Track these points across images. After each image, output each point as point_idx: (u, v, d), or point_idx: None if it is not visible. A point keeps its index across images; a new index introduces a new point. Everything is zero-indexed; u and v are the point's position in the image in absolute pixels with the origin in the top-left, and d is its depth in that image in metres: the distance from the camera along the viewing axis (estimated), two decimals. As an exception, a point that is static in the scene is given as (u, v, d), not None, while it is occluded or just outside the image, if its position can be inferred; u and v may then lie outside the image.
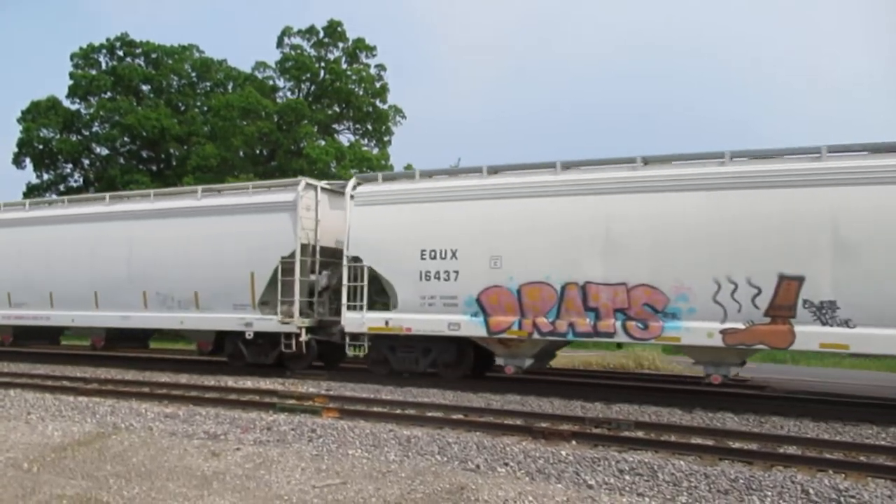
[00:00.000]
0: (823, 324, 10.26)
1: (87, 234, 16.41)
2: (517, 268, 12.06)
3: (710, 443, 8.49)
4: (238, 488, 6.95)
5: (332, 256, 14.65)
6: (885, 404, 11.53)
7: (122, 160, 36.20)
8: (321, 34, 34.81)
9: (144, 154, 36.80)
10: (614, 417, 9.83)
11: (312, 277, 14.39)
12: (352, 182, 14.01)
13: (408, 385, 12.86)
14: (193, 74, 37.66)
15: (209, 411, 10.44)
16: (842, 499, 6.35)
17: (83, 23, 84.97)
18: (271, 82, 35.75)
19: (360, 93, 34.88)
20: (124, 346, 17.96)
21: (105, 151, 36.87)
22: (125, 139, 35.39)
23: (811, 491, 6.51)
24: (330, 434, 8.91)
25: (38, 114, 35.41)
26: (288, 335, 14.01)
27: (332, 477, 7.21)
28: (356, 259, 13.44)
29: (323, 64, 35.10)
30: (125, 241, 15.86)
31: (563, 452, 7.79)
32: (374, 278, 13.35)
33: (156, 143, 35.13)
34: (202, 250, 14.91)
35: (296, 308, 13.89)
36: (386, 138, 36.13)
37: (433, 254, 12.74)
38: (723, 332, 10.75)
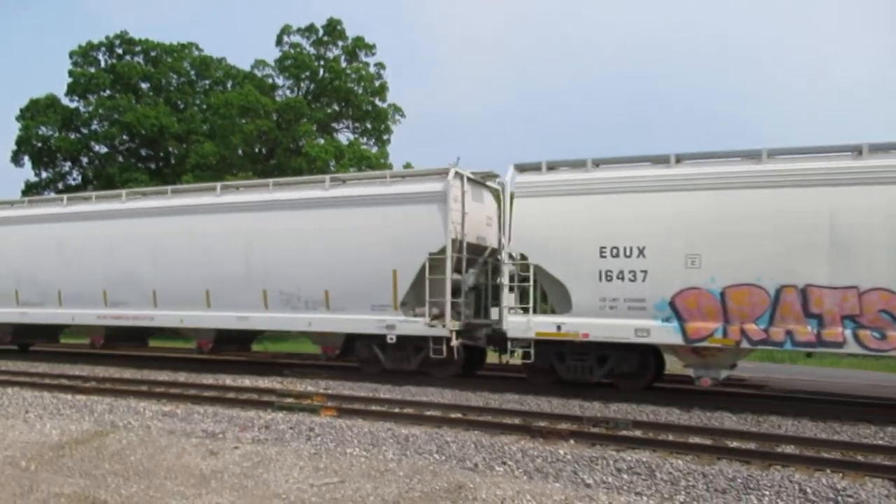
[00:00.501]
0: None
1: (198, 228, 15.05)
2: (720, 268, 10.79)
3: (707, 442, 8.50)
4: (236, 487, 6.96)
5: (473, 253, 13.50)
6: (882, 404, 11.54)
7: (120, 158, 36.17)
8: (320, 32, 34.80)
9: (143, 152, 36.78)
10: (612, 417, 9.83)
11: (458, 276, 13.01)
12: (511, 171, 12.55)
13: (406, 384, 12.87)
14: (192, 72, 37.64)
15: (207, 410, 10.45)
16: (839, 498, 6.36)
17: (83, 21, 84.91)
18: (270, 80, 35.73)
19: (360, 91, 34.87)
20: (230, 348, 16.78)
21: (104, 149, 36.84)
22: (124, 137, 35.36)
23: (809, 490, 6.51)
24: (328, 433, 8.91)
25: (36, 112, 35.38)
26: (437, 339, 12.69)
27: (331, 476, 7.21)
28: (521, 257, 12.15)
29: (322, 62, 35.09)
30: (242, 236, 14.49)
31: (562, 451, 7.80)
32: (530, 278, 12.02)
33: (155, 142, 35.11)
34: (334, 245, 13.55)
35: (447, 309, 12.57)
36: (385, 137, 36.14)
37: (615, 251, 11.43)
38: None
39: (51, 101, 35.53)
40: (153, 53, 36.60)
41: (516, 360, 12.61)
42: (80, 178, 37.65)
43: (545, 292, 12.45)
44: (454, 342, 12.61)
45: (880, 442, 8.78)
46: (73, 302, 16.40)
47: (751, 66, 73.44)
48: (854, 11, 73.61)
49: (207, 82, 37.74)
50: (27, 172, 36.68)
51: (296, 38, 35.10)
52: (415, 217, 13.00)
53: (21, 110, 35.78)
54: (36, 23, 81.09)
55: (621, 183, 11.74)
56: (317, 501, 6.49)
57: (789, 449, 8.23)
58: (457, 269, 13.07)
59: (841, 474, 7.15)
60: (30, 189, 37.19)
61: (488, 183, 14.22)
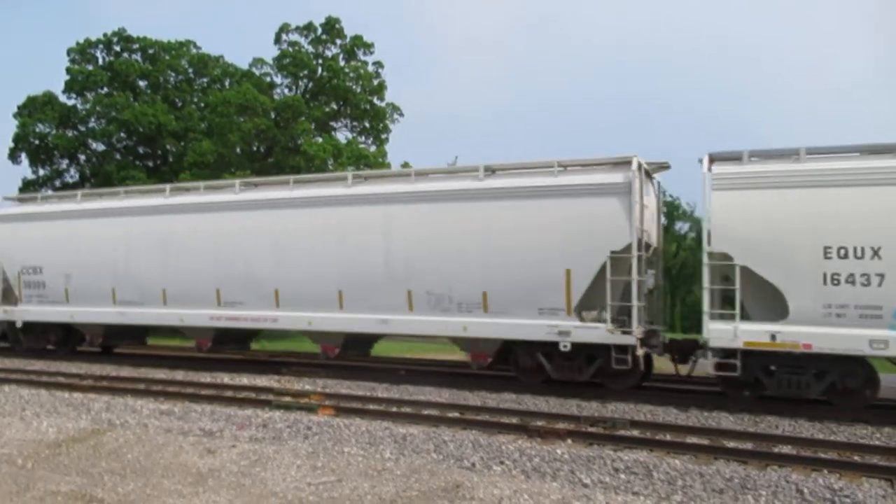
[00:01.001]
0: None
1: (328, 221, 13.63)
2: None
3: (705, 442, 8.51)
4: (233, 485, 6.95)
5: (645, 251, 12.05)
6: (879, 404, 11.53)
7: (118, 156, 36.07)
8: (319, 31, 34.77)
9: (141, 150, 36.68)
10: (610, 416, 9.85)
11: (638, 278, 11.50)
12: (705, 162, 11.27)
13: (404, 383, 12.86)
14: (190, 70, 37.56)
15: (205, 408, 10.44)
16: (836, 498, 6.37)
17: (80, 18, 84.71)
18: (269, 79, 35.67)
19: (358, 90, 34.84)
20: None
21: (101, 147, 36.73)
22: (122, 135, 35.27)
23: (805, 490, 6.53)
24: (325, 432, 8.91)
25: (34, 109, 35.27)
26: (620, 348, 11.36)
27: (328, 474, 7.20)
28: (724, 256, 10.92)
29: (320, 61, 35.05)
30: (381, 230, 13.13)
31: (559, 451, 7.80)
32: (736, 280, 10.80)
33: (152, 139, 35.03)
34: (493, 241, 12.20)
35: (634, 315, 11.27)
36: (383, 136, 36.13)
37: (843, 252, 10.20)
38: None
39: (48, 99, 35.42)
40: (151, 51, 36.51)
41: (700, 371, 11.74)
42: (77, 175, 37.58)
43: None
44: (640, 351, 11.44)
45: (877, 442, 8.80)
46: (180, 301, 15.04)
47: (751, 66, 73.66)
48: (854, 11, 73.75)
49: (205, 80, 37.67)
50: (24, 170, 36.59)
51: (294, 37, 35.05)
52: (593, 211, 11.64)
53: (18, 107, 35.69)
54: (34, 20, 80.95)
55: (843, 175, 10.49)
56: (314, 500, 6.48)
57: (786, 449, 8.24)
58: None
59: (838, 474, 7.16)
60: (27, 186, 37.11)
61: (655, 175, 12.94)
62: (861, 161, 10.67)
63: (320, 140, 32.34)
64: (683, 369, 12.26)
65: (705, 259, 11.07)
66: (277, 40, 35.14)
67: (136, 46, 36.62)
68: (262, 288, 14.15)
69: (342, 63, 35.04)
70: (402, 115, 36.14)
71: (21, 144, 35.71)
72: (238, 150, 33.07)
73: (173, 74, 37.16)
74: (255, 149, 34.55)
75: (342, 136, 35.86)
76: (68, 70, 35.70)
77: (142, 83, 36.99)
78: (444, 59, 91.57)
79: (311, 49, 35.04)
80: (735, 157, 11.35)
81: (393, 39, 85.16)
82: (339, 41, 34.97)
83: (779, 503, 6.38)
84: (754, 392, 11.24)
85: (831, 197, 10.46)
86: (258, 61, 35.66)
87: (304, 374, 14.26)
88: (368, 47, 35.06)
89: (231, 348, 16.48)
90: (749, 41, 77.14)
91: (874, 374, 10.74)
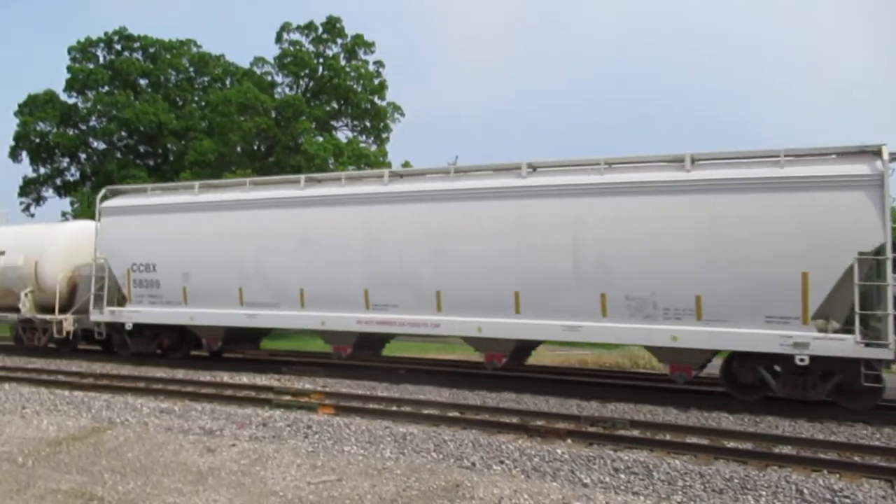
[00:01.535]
0: None
1: (502, 216, 12.20)
2: None
3: (705, 442, 8.50)
4: (233, 484, 6.95)
5: None
6: (879, 405, 11.53)
7: (119, 155, 36.12)
8: (320, 30, 34.78)
9: (142, 149, 36.73)
10: (610, 416, 9.84)
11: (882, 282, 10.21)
12: None
13: (404, 382, 12.86)
14: (191, 69, 37.61)
15: (205, 407, 10.44)
16: (836, 499, 6.37)
17: (81, 17, 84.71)
18: (269, 78, 35.69)
19: (359, 89, 34.86)
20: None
21: (102, 146, 36.79)
22: (122, 133, 35.32)
23: (806, 491, 6.52)
24: (326, 431, 8.91)
25: (35, 107, 35.31)
26: (869, 363, 10.08)
27: (328, 473, 7.21)
28: None
29: (321, 60, 35.07)
30: (567, 226, 11.73)
31: (559, 451, 7.80)
32: None
33: (153, 138, 35.07)
34: (708, 240, 10.91)
35: (890, 325, 9.89)
36: (384, 135, 36.14)
37: None
38: None
39: (49, 97, 35.47)
40: (152, 50, 36.56)
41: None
42: (78, 174, 37.62)
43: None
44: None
45: (877, 443, 8.79)
46: (320, 303, 13.54)
47: (751, 66, 73.63)
48: (854, 11, 73.73)
49: (206, 79, 37.71)
50: (25, 168, 36.64)
51: (295, 36, 35.09)
52: (836, 207, 10.30)
53: (19, 106, 35.75)
54: (35, 19, 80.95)
55: None
56: (314, 499, 6.48)
57: (786, 449, 8.24)
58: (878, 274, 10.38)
59: (838, 475, 7.16)
60: (28, 185, 37.13)
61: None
62: None
63: (321, 139, 32.34)
64: None
65: None
66: (278, 39, 35.18)
67: (137, 45, 36.67)
68: (419, 289, 12.69)
69: (343, 62, 35.07)
70: (402, 114, 36.17)
71: (22, 143, 35.76)
72: (239, 149, 33.10)
73: (174, 73, 37.21)
74: (255, 148, 34.56)
75: (343, 135, 35.89)
76: (69, 68, 35.74)
77: (143, 82, 37.04)
78: (445, 58, 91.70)
79: (311, 48, 35.06)
80: None
81: (393, 39, 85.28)
82: (339, 40, 35.00)
83: (779, 503, 6.38)
84: None
85: None
86: (259, 60, 35.70)
87: (304, 372, 14.26)
88: (369, 46, 35.08)
89: (365, 354, 15.10)
90: (749, 41, 77.20)
91: None
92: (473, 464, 7.58)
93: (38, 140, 35.64)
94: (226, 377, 13.58)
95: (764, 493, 6.54)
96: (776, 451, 8.08)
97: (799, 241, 10.34)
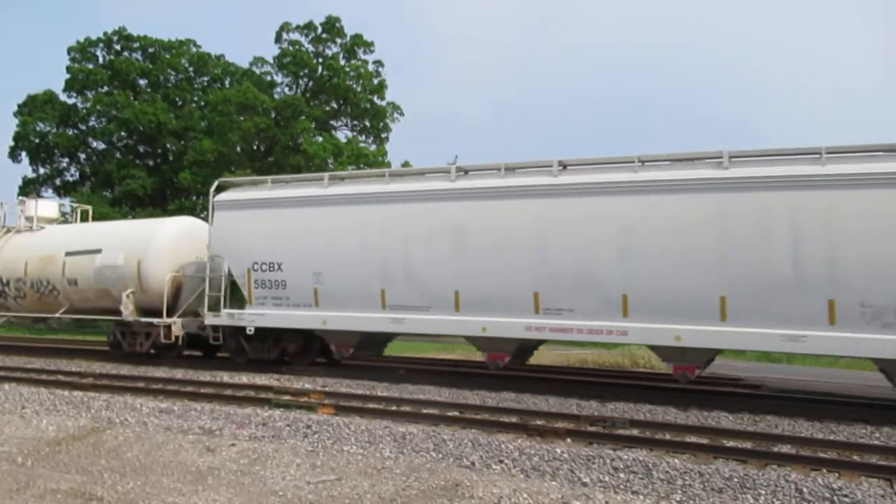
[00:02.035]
0: None
1: (702, 210, 10.93)
2: None
3: (704, 441, 8.51)
4: (233, 484, 6.95)
5: None
6: (878, 404, 11.55)
7: (118, 155, 36.14)
8: (319, 30, 34.81)
9: (141, 149, 36.75)
10: (609, 415, 9.84)
11: None
12: None
13: (403, 382, 12.86)
14: (191, 69, 37.62)
15: (204, 407, 10.43)
16: (835, 498, 6.37)
17: (81, 17, 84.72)
18: (269, 78, 35.73)
19: (358, 89, 34.89)
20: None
21: (101, 146, 36.83)
22: (122, 133, 35.34)
23: (805, 490, 6.52)
24: (325, 430, 8.91)
25: (34, 107, 35.33)
26: None
27: (327, 473, 7.21)
28: None
29: (321, 60, 35.10)
30: (785, 223, 10.45)
31: (558, 450, 7.80)
32: None
33: (152, 138, 35.07)
34: None
35: None
36: (384, 135, 36.17)
37: None
38: None
39: (48, 97, 35.48)
40: (151, 50, 36.58)
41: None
42: (77, 174, 37.64)
43: None
44: None
45: (876, 442, 8.79)
46: (479, 307, 12.19)
47: (750, 66, 73.63)
48: (854, 11, 73.77)
49: (206, 79, 37.73)
50: (24, 168, 36.70)
51: (294, 36, 35.15)
52: None
53: (19, 106, 35.79)
54: (34, 19, 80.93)
55: None
56: (314, 499, 6.48)
57: (786, 448, 8.24)
58: None
59: (837, 474, 7.16)
60: (27, 185, 37.12)
61: None
62: None
63: (320, 139, 32.36)
64: None
65: None
66: (278, 39, 35.23)
67: (136, 45, 36.69)
68: (601, 292, 11.40)
69: (342, 62, 35.12)
70: (402, 114, 36.24)
71: (21, 143, 35.78)
72: (238, 148, 33.15)
73: (173, 73, 37.23)
74: (255, 147, 34.60)
75: (342, 134, 35.95)
76: (68, 69, 35.77)
77: (142, 82, 37.06)
78: (444, 58, 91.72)
79: (311, 48, 35.11)
80: None
81: (393, 39, 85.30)
82: (339, 40, 35.06)
83: (778, 502, 6.38)
84: None
85: None
86: (258, 60, 35.77)
87: (304, 372, 14.25)
88: (368, 46, 35.11)
89: (518, 363, 14.03)
90: (749, 41, 77.26)
91: None
92: (473, 463, 7.58)
93: (37, 140, 35.65)
94: (225, 377, 13.57)
95: (763, 491, 6.54)
96: (775, 451, 8.08)
97: None
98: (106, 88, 35.83)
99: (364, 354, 14.91)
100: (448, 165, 13.51)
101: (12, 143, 35.97)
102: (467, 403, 10.86)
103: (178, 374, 14.29)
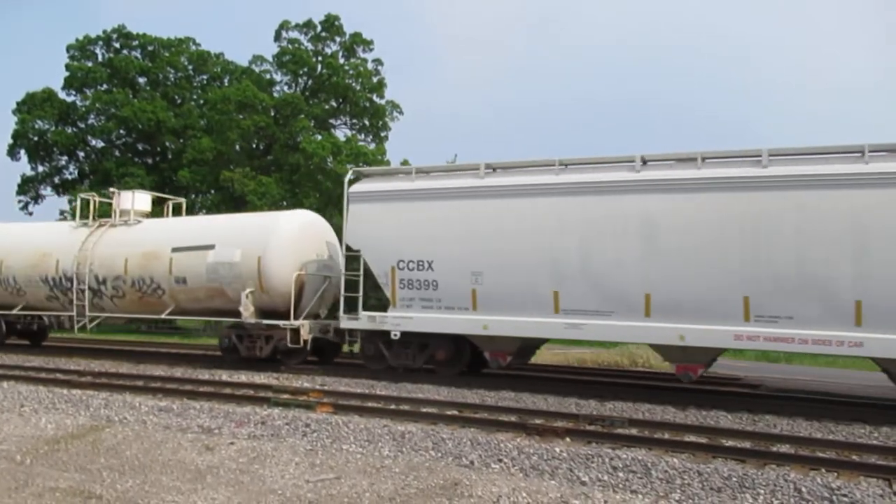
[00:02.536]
0: None
1: None
2: None
3: (703, 441, 8.51)
4: (232, 482, 6.95)
5: None
6: (877, 404, 11.57)
7: (117, 153, 36.10)
8: (318, 28, 34.79)
9: (140, 147, 36.72)
10: (608, 415, 9.85)
11: None
12: None
13: (402, 381, 12.86)
14: (190, 67, 37.60)
15: (203, 405, 10.42)
16: (834, 497, 6.37)
17: (80, 15, 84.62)
18: (268, 76, 35.72)
19: (357, 88, 34.87)
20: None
21: (100, 144, 36.78)
22: (121, 132, 35.30)
23: (804, 489, 6.53)
24: (324, 429, 8.90)
25: (33, 105, 35.27)
26: None
27: (326, 472, 7.20)
28: None
29: (320, 58, 35.09)
30: None
31: (557, 449, 7.80)
32: None
33: (152, 136, 35.04)
34: None
35: None
36: (383, 133, 36.16)
37: None
38: None
39: (47, 95, 35.42)
40: (150, 48, 36.55)
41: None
42: (76, 172, 37.59)
43: None
44: None
45: (875, 442, 8.80)
46: (674, 313, 11.03)
47: (750, 66, 73.66)
48: (854, 11, 73.81)
49: (205, 77, 37.71)
50: (23, 166, 36.62)
51: (294, 34, 35.12)
52: None
53: (18, 104, 35.73)
54: (33, 17, 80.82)
55: None
56: (312, 497, 6.48)
57: (784, 448, 8.24)
58: None
59: (836, 474, 7.16)
60: (26, 183, 37.08)
61: None
62: None
63: (319, 138, 32.35)
64: None
65: None
66: (277, 37, 35.20)
67: (135, 43, 36.67)
68: (829, 297, 10.24)
69: (341, 60, 35.08)
70: (401, 112, 36.22)
71: (20, 141, 35.73)
72: (237, 147, 33.12)
73: (173, 71, 37.20)
74: (254, 146, 34.58)
75: (341, 133, 35.94)
76: (68, 67, 35.73)
77: (141, 80, 37.03)
78: (444, 58, 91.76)
79: (310, 46, 35.09)
80: None
81: (393, 39, 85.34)
82: (338, 38, 35.04)
83: (777, 502, 6.38)
84: None
85: None
86: (258, 58, 35.76)
87: (303, 371, 14.24)
88: (368, 44, 35.11)
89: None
90: (749, 41, 77.34)
91: None
92: (472, 462, 7.58)
93: (36, 138, 35.61)
94: (224, 375, 13.57)
95: (762, 491, 6.55)
96: (774, 450, 8.08)
97: None
98: (105, 86, 35.79)
99: (516, 363, 13.60)
100: (631, 155, 11.83)
101: (11, 141, 35.95)
102: (466, 402, 10.86)
103: (177, 372, 14.28)
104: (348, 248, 13.54)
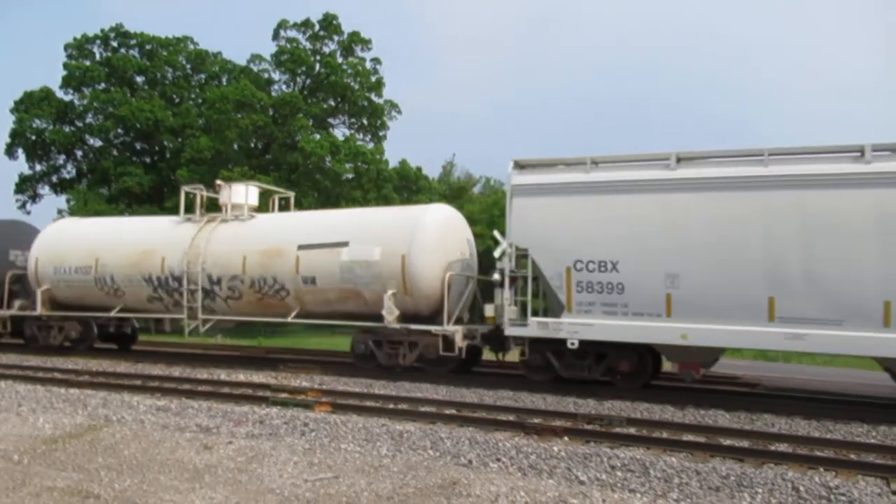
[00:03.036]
0: None
1: None
2: None
3: (701, 440, 8.52)
4: (230, 481, 6.94)
5: None
6: (875, 403, 11.58)
7: (115, 152, 36.04)
8: (317, 27, 34.76)
9: (138, 146, 36.66)
10: (606, 414, 9.85)
11: None
12: None
13: (401, 380, 12.85)
14: (188, 66, 37.56)
15: (201, 404, 10.42)
16: (832, 496, 6.38)
17: (78, 14, 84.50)
18: (266, 75, 35.68)
19: (356, 87, 34.85)
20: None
21: (98, 143, 36.72)
22: (119, 131, 35.24)
23: (802, 488, 6.53)
24: (322, 428, 8.90)
25: (31, 104, 35.21)
26: None
27: (325, 471, 7.20)
28: None
29: (318, 57, 35.06)
30: None
31: (556, 448, 7.81)
32: None
33: (150, 135, 34.99)
34: None
35: None
36: (381, 133, 36.14)
37: None
38: None
39: (45, 94, 35.36)
40: (148, 47, 36.48)
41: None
42: (74, 171, 37.54)
43: None
44: None
45: (873, 441, 8.81)
46: None
47: (750, 66, 73.71)
48: (854, 11, 73.87)
49: (203, 76, 37.66)
50: (21, 165, 36.62)
51: (292, 33, 35.08)
52: None
53: (15, 103, 35.64)
54: (31, 16, 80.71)
55: None
56: (311, 497, 6.48)
57: (782, 447, 8.25)
58: None
59: (834, 472, 7.17)
60: (24, 182, 37.03)
61: None
62: None
63: (318, 137, 32.33)
64: None
65: None
66: (275, 36, 35.17)
67: (133, 42, 36.61)
68: None
69: (340, 59, 35.05)
70: (400, 112, 36.20)
71: (18, 140, 35.67)
72: (235, 146, 33.08)
73: (171, 70, 37.16)
74: (252, 145, 34.53)
75: (340, 132, 35.91)
76: (65, 66, 35.66)
77: (139, 79, 36.98)
78: (444, 57, 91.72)
79: (308, 45, 35.06)
80: None
81: (392, 38, 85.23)
82: (336, 37, 35.00)
83: (775, 501, 6.39)
84: None
85: None
86: (256, 58, 35.70)
87: (301, 370, 14.23)
88: (366, 43, 35.08)
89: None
90: (748, 41, 77.36)
91: None
92: (470, 461, 7.58)
93: (34, 137, 35.54)
94: (223, 375, 13.56)
95: (760, 490, 6.55)
96: (772, 449, 8.09)
97: None
98: (103, 85, 35.73)
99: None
100: (856, 144, 10.54)
101: (9, 140, 35.87)
102: (465, 402, 10.86)
103: (176, 371, 14.27)
104: (510, 245, 12.25)
